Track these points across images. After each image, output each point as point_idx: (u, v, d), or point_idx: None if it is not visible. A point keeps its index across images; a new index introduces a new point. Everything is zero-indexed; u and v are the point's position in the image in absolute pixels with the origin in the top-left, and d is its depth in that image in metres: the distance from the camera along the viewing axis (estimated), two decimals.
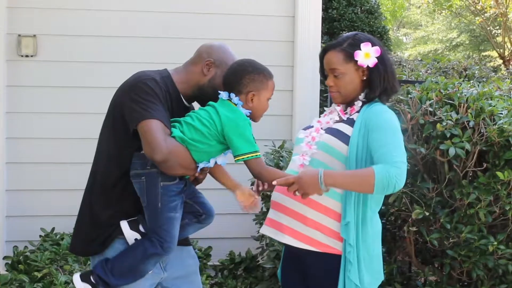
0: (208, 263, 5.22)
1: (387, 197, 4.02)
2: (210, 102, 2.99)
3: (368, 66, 3.03)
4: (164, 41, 5.57)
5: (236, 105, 2.92)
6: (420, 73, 6.29)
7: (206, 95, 3.07)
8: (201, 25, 5.60)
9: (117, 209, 2.95)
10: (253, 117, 3.00)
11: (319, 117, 3.23)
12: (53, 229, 5.22)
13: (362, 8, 9.81)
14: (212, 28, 5.60)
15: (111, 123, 2.97)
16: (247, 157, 2.86)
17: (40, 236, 5.18)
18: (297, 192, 2.85)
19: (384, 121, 2.93)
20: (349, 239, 2.90)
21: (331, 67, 3.07)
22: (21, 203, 5.48)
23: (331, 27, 9.48)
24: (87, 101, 5.44)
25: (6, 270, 4.91)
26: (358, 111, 3.05)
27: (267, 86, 2.99)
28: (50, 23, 5.47)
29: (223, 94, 2.96)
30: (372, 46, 3.03)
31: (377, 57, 3.03)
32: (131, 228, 2.92)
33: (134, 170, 2.89)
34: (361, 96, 3.08)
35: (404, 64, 7.30)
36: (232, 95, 2.94)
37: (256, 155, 2.88)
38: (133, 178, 2.90)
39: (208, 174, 3.11)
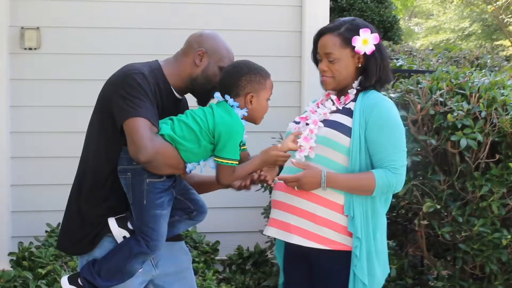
0: (216, 258, 5.15)
1: None
2: (211, 103, 2.90)
3: (365, 53, 2.94)
4: (171, 32, 5.47)
5: (232, 106, 2.84)
6: (431, 62, 6.20)
7: (199, 87, 2.97)
8: (207, 15, 5.52)
9: (106, 206, 2.87)
10: (254, 118, 2.92)
11: (310, 105, 3.15)
12: (58, 224, 5.16)
13: None
14: (218, 18, 5.52)
15: (99, 118, 2.90)
16: (225, 162, 2.80)
17: (46, 231, 5.12)
18: (295, 187, 2.84)
19: (384, 117, 2.88)
20: (356, 232, 2.84)
21: (326, 51, 2.98)
22: (26, 198, 5.43)
23: (341, 17, 9.39)
24: (91, 94, 5.32)
25: (11, 267, 4.85)
26: (353, 100, 2.97)
27: (265, 86, 2.90)
28: (54, 15, 5.39)
29: (218, 96, 2.88)
30: (371, 33, 2.94)
31: (374, 45, 2.94)
32: (119, 226, 2.85)
33: (121, 165, 2.82)
34: (355, 84, 3.00)
35: (415, 54, 7.20)
36: (227, 96, 2.85)
37: (233, 163, 2.81)
38: (119, 174, 2.82)
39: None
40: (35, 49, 5.34)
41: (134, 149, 2.68)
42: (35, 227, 5.25)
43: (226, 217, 5.54)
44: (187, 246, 5.00)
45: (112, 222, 2.85)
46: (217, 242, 5.23)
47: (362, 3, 9.47)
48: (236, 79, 2.85)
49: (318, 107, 3.06)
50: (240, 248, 5.26)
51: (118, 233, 2.85)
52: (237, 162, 2.83)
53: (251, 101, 2.87)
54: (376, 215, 2.92)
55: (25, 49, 5.32)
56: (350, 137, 2.86)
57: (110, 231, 2.85)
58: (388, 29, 10.15)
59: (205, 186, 3.18)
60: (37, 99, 5.40)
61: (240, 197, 5.43)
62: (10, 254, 5.01)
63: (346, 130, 2.88)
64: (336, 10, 9.44)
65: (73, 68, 5.41)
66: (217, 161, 2.82)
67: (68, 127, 5.42)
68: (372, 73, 2.96)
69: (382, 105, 2.90)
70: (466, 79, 4.13)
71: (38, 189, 5.44)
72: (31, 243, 5.02)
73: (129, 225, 2.86)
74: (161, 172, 2.78)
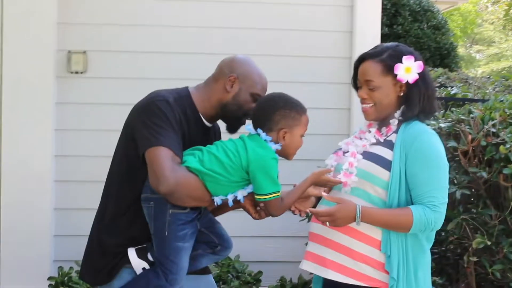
0: None
1: (445, 223, 3.77)
2: (241, 135, 2.79)
3: (407, 81, 2.78)
4: (217, 57, 5.39)
5: (265, 141, 2.73)
6: (487, 91, 6.00)
7: (230, 113, 2.87)
8: (257, 40, 5.42)
9: (127, 236, 2.79)
10: (286, 154, 2.80)
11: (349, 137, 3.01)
12: None
13: (429, 24, 9.53)
14: (265, 43, 5.43)
15: (123, 145, 2.84)
16: (269, 197, 2.68)
17: None
18: (327, 223, 2.67)
19: (425, 150, 2.71)
20: (392, 272, 2.68)
21: (366, 78, 2.82)
22: (69, 222, 5.39)
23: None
24: None
25: None
26: (395, 131, 2.80)
27: (300, 122, 2.78)
28: (101, 39, 5.39)
29: (250, 128, 2.77)
30: (415, 60, 2.78)
31: (418, 73, 2.77)
32: (139, 257, 2.76)
33: (144, 194, 2.73)
34: (397, 114, 2.83)
35: (471, 82, 7.00)
36: (260, 130, 2.74)
37: (277, 196, 2.70)
38: (143, 202, 2.74)
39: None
40: (81, 72, 5.33)
41: (154, 180, 2.60)
42: (77, 252, 5.18)
43: (269, 246, 5.42)
44: (229, 276, 4.90)
45: (131, 253, 2.77)
46: (260, 272, 5.10)
47: (418, 29, 9.31)
48: (270, 113, 2.75)
49: (360, 139, 2.92)
50: (283, 279, 5.12)
51: (138, 264, 2.77)
52: (279, 193, 2.72)
53: (284, 137, 2.75)
54: (418, 253, 2.75)
55: (72, 72, 5.32)
56: (389, 171, 2.71)
57: (129, 262, 2.77)
58: (445, 56, 9.96)
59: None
60: (83, 122, 5.38)
61: (284, 226, 5.35)
62: (49, 278, 4.98)
63: (385, 164, 2.73)
64: (391, 37, 9.29)
65: (119, 92, 5.39)
66: (261, 199, 2.70)
67: (112, 151, 5.37)
68: (415, 103, 2.80)
69: (424, 137, 2.74)
70: None
71: (81, 213, 5.39)
72: (71, 267, 4.99)
73: (149, 256, 2.77)
74: (184, 204, 2.68)
